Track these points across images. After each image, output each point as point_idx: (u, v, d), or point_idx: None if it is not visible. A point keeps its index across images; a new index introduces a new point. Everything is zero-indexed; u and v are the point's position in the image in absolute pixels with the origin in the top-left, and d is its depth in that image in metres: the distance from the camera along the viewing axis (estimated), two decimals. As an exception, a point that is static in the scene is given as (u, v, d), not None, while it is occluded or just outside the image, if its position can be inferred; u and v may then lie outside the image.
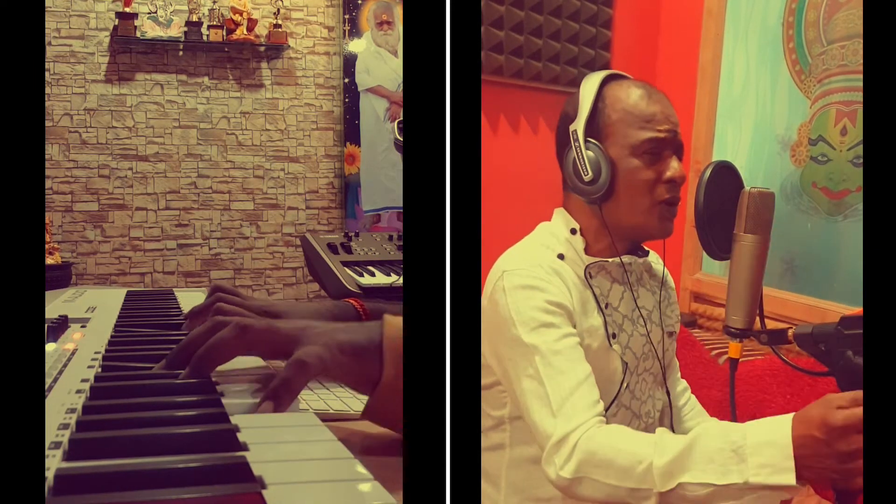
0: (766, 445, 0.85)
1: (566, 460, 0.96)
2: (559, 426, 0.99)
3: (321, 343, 0.71)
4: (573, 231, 1.16)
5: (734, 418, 1.18)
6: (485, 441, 1.21)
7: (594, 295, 1.13)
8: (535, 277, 1.08)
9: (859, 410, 0.81)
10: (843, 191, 2.05)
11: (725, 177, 1.14)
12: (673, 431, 1.19)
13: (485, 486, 1.20)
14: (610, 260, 1.15)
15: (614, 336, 1.13)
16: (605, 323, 1.12)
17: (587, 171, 1.12)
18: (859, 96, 2.00)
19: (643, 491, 0.91)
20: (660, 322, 1.22)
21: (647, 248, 1.24)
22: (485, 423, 1.21)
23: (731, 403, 1.17)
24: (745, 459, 0.86)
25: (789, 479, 0.83)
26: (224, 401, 0.65)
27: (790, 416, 0.86)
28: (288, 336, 0.73)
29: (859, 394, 0.83)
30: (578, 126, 1.14)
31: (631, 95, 1.14)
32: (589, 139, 1.14)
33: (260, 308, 0.91)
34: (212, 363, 0.71)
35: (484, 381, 1.18)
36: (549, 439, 0.99)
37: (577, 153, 1.13)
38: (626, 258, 1.17)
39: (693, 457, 0.89)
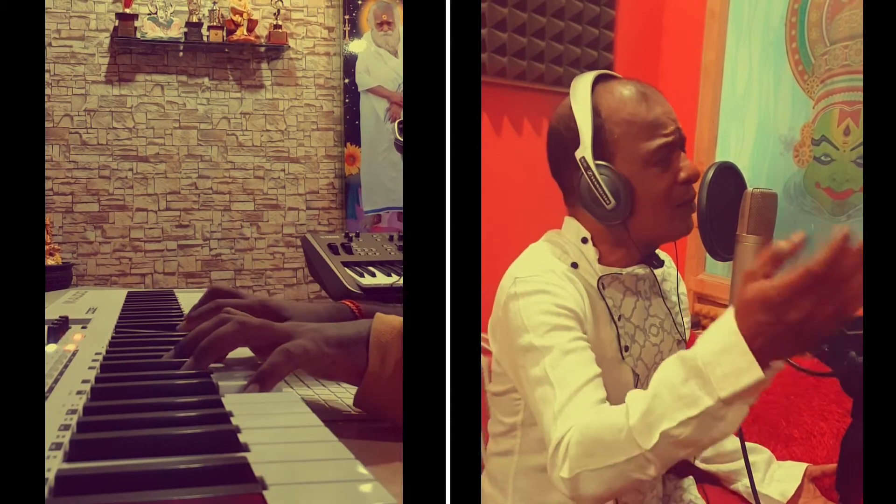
0: (719, 354, 0.80)
1: (563, 461, 0.94)
2: (557, 431, 0.96)
3: (308, 337, 0.80)
4: (584, 240, 1.13)
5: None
6: (494, 446, 1.20)
7: (607, 307, 1.11)
8: (546, 283, 1.06)
9: (791, 275, 0.76)
10: (846, 191, 2.05)
11: (728, 177, 1.14)
12: None
13: (492, 492, 1.19)
14: (624, 272, 1.13)
15: (627, 349, 1.11)
16: (619, 336, 1.10)
17: (608, 199, 1.08)
18: (862, 96, 1.99)
19: (636, 459, 0.87)
20: (671, 330, 1.19)
21: (662, 258, 1.21)
22: (496, 428, 1.20)
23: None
24: (707, 379, 0.80)
25: (756, 374, 0.78)
26: (215, 378, 0.73)
27: (730, 312, 0.81)
28: (281, 332, 0.82)
29: (772, 251, 0.78)
30: (585, 152, 1.09)
31: (627, 104, 1.09)
32: (599, 162, 1.09)
33: (259, 303, 0.99)
34: (213, 354, 0.81)
35: (497, 388, 1.17)
36: (550, 446, 0.97)
37: (593, 182, 1.08)
38: (640, 269, 1.14)
39: (663, 401, 0.84)
